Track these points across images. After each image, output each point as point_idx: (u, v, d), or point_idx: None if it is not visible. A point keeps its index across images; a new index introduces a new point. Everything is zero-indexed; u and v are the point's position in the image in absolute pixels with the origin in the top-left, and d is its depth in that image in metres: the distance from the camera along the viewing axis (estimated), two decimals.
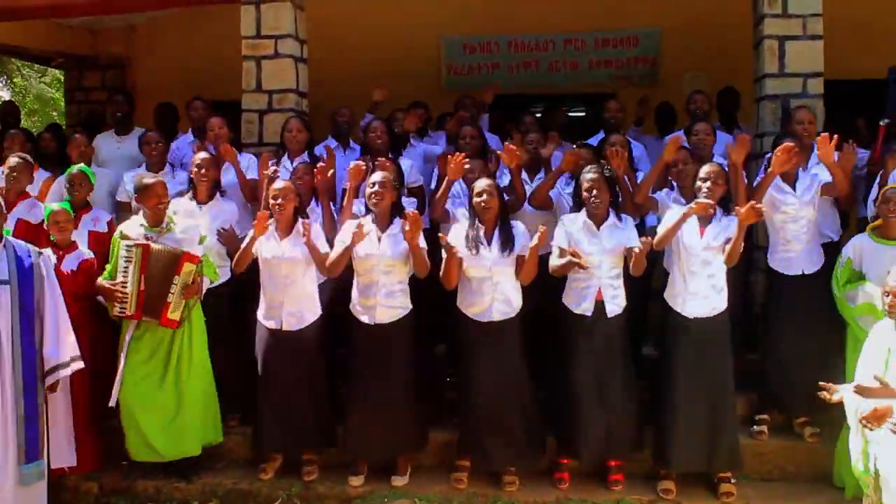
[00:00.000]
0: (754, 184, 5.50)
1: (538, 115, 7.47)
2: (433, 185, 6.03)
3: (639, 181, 5.62)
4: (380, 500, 5.12)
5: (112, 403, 5.08)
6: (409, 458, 5.35)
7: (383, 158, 5.67)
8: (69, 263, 5.22)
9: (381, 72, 8.23)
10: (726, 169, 5.22)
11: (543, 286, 5.16)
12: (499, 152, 5.65)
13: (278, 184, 5.20)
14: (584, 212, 5.11)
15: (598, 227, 5.06)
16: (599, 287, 5.05)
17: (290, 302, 5.18)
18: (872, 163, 5.68)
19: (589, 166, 5.17)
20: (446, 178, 5.45)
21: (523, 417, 5.13)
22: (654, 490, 5.10)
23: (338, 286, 5.41)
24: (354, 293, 5.21)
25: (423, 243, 5.08)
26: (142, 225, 5.16)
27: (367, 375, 5.16)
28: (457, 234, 5.10)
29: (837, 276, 5.12)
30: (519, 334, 5.13)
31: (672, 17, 8.31)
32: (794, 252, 5.42)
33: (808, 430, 5.41)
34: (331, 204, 5.64)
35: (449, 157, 5.39)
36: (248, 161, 6.07)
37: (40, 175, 6.12)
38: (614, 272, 5.09)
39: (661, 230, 5.01)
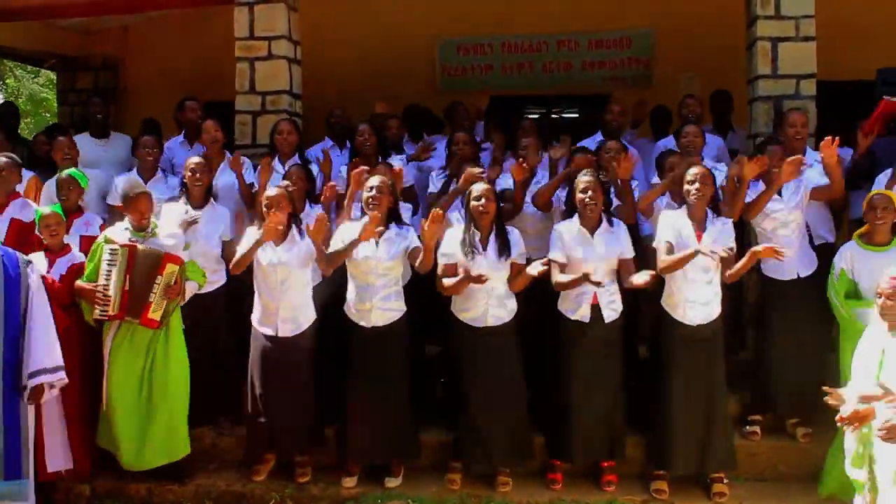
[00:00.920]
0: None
1: (534, 115, 7.47)
2: (430, 190, 6.02)
3: (634, 188, 5.62)
4: (373, 502, 5.12)
5: (105, 408, 5.08)
6: (402, 459, 5.35)
7: (380, 164, 5.68)
8: (60, 268, 5.20)
9: (375, 73, 8.26)
10: (716, 172, 5.23)
11: (542, 293, 5.16)
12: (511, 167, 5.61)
13: (271, 191, 5.17)
14: (576, 218, 5.11)
15: (592, 234, 5.05)
16: (595, 293, 5.05)
17: (286, 308, 5.17)
18: (864, 134, 5.65)
19: (584, 170, 5.17)
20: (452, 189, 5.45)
21: (516, 420, 5.14)
22: (647, 490, 5.11)
23: (332, 288, 5.40)
24: (350, 296, 5.20)
25: (417, 242, 5.07)
26: (126, 229, 5.16)
27: (363, 379, 5.15)
28: (452, 239, 5.10)
29: (834, 286, 5.08)
30: (514, 340, 5.13)
31: (665, 18, 8.32)
32: (786, 257, 5.42)
33: (800, 431, 5.42)
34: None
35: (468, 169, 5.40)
36: (245, 166, 6.06)
37: (26, 175, 6.10)
38: (609, 278, 5.08)
39: (667, 260, 4.92)
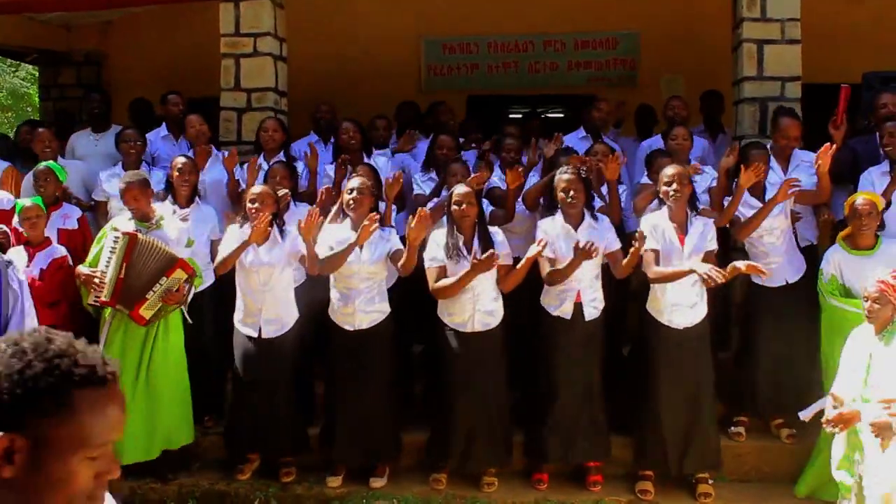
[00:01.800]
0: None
1: (519, 115, 7.48)
2: (416, 192, 6.01)
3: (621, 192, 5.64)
4: (358, 502, 5.10)
5: None
6: (385, 461, 5.33)
7: (362, 165, 5.67)
8: (40, 261, 5.15)
9: (359, 71, 8.23)
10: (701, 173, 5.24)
11: (530, 295, 5.16)
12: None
13: (256, 188, 5.15)
14: (559, 215, 5.11)
15: (576, 230, 5.05)
16: (579, 290, 5.05)
17: (268, 308, 5.14)
18: (835, 127, 5.65)
19: (565, 167, 5.17)
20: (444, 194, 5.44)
21: (497, 423, 5.12)
22: (633, 491, 5.12)
23: (314, 290, 5.37)
24: (333, 299, 5.17)
25: (399, 244, 5.06)
26: (131, 220, 5.13)
27: (347, 381, 5.13)
28: (436, 243, 5.07)
29: (825, 288, 5.08)
30: (500, 344, 5.11)
31: (651, 19, 8.33)
32: (774, 264, 5.38)
33: (784, 432, 5.45)
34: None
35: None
36: (218, 157, 6.06)
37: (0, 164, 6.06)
38: (593, 274, 5.10)
39: (658, 272, 4.91)
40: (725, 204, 5.34)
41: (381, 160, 6.06)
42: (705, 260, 4.91)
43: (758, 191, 5.39)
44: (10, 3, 7.26)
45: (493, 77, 9.02)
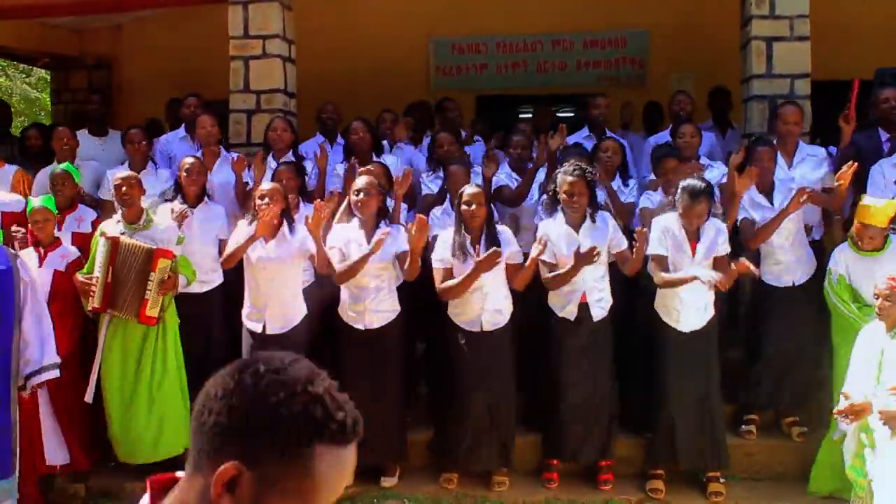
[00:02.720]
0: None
1: (529, 114, 7.48)
2: (424, 192, 6.02)
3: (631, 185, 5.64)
4: (369, 501, 5.11)
5: (88, 399, 5.07)
6: (395, 461, 5.33)
7: (374, 163, 5.66)
8: (53, 262, 5.18)
9: (369, 72, 8.25)
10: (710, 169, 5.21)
11: (539, 294, 5.16)
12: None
13: (266, 185, 5.17)
14: (560, 215, 5.09)
15: (577, 229, 5.04)
16: (584, 291, 5.04)
17: (275, 304, 5.14)
18: (846, 121, 5.64)
19: (568, 167, 5.13)
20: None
21: (505, 421, 5.12)
22: (644, 490, 5.11)
23: (322, 291, 5.39)
24: (343, 298, 5.18)
25: (405, 246, 5.06)
26: (119, 222, 5.17)
27: (358, 380, 5.13)
28: (444, 243, 5.08)
29: (834, 290, 5.03)
30: (508, 343, 5.10)
31: (660, 18, 8.33)
32: (783, 263, 5.38)
33: (795, 430, 5.43)
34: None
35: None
36: (227, 159, 6.07)
37: (7, 169, 6.09)
38: (598, 274, 5.07)
39: (664, 278, 4.91)
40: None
41: (389, 159, 6.06)
42: (717, 264, 4.89)
43: (765, 187, 5.37)
44: (22, 7, 7.30)
45: (501, 77, 9.04)
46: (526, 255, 5.06)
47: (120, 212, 5.20)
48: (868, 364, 4.12)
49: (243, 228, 5.12)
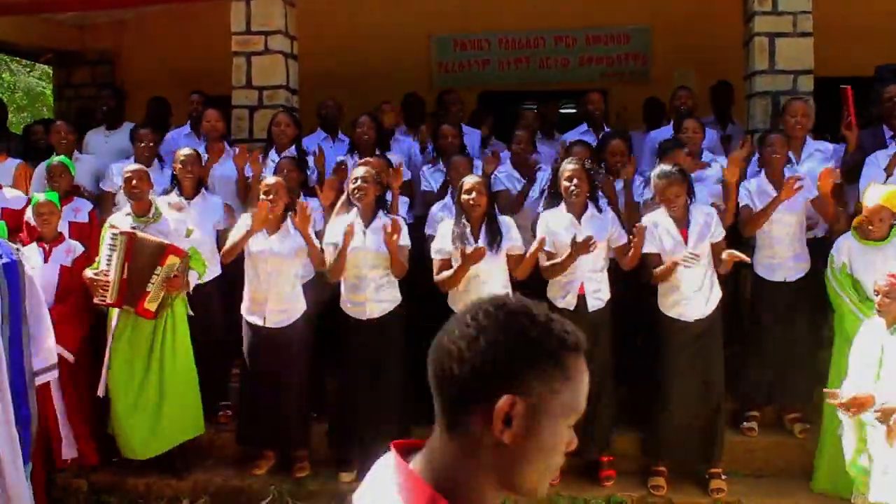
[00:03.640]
0: (747, 182, 5.49)
1: (534, 109, 7.46)
2: (423, 187, 6.03)
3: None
4: None
5: (100, 393, 5.09)
6: None
7: (377, 156, 5.67)
8: (59, 257, 5.20)
9: (370, 68, 8.23)
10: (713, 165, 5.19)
11: (542, 286, 5.16)
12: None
13: (269, 179, 5.18)
14: (562, 206, 5.10)
15: (578, 220, 5.05)
16: (582, 282, 5.05)
17: (275, 298, 5.16)
18: (848, 129, 5.63)
19: (570, 157, 5.17)
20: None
21: None
22: (645, 486, 5.12)
23: (322, 287, 5.39)
24: (343, 289, 5.20)
25: (406, 241, 5.07)
26: (128, 215, 5.17)
27: (358, 371, 5.15)
28: (444, 234, 5.09)
29: (837, 278, 5.01)
30: None
31: (662, 14, 8.30)
32: (778, 258, 5.39)
33: (797, 427, 5.43)
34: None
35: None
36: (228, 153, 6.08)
37: (10, 163, 6.09)
38: (596, 266, 5.08)
39: (655, 273, 4.96)
40: (741, 195, 5.37)
41: (394, 159, 6.03)
42: (716, 247, 4.93)
43: (776, 176, 5.36)
44: (25, 3, 7.30)
45: (504, 73, 9.02)
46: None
47: (129, 205, 5.20)
48: (868, 361, 4.12)
49: (246, 222, 5.13)
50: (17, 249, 4.55)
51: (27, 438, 4.33)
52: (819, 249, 5.38)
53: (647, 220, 5.07)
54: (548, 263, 5.01)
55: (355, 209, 5.15)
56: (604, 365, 5.12)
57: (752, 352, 5.54)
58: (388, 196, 5.41)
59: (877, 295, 4.15)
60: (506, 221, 5.11)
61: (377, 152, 5.93)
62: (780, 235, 5.37)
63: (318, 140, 6.42)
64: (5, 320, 4.26)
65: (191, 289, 5.20)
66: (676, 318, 5.01)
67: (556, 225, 5.05)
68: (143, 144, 6.10)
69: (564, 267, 4.95)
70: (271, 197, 5.04)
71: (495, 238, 4.98)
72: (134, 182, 5.12)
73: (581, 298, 5.06)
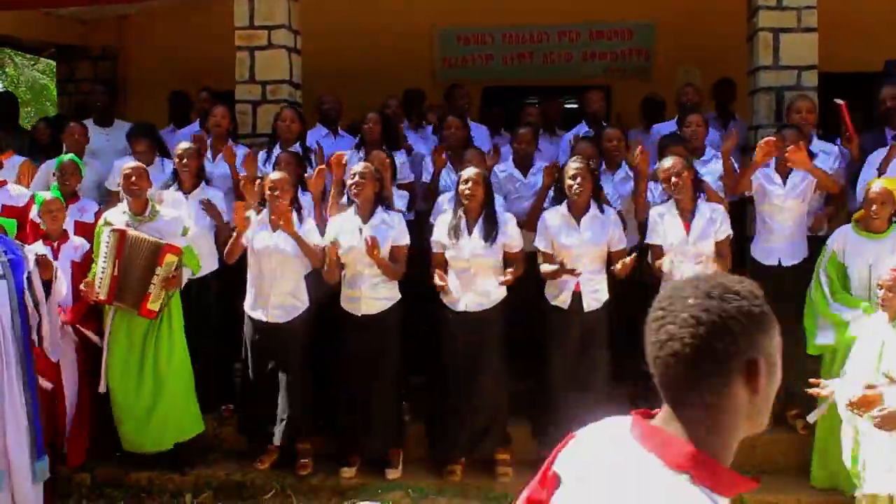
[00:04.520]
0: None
1: (536, 104, 7.45)
2: (424, 178, 6.03)
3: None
4: (373, 492, 5.12)
5: (102, 390, 5.11)
6: (399, 449, 5.34)
7: (377, 150, 5.65)
8: (68, 254, 5.21)
9: (374, 63, 8.22)
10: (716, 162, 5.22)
11: (538, 282, 5.16)
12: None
13: (274, 175, 5.16)
14: (564, 204, 5.09)
15: (579, 220, 5.04)
16: (578, 281, 5.04)
17: (278, 294, 5.16)
18: (848, 141, 5.64)
19: (575, 156, 5.16)
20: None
21: (492, 408, 5.12)
22: None
23: (321, 282, 5.38)
24: (343, 285, 5.20)
25: (401, 240, 5.08)
26: (125, 212, 5.17)
27: (355, 368, 5.15)
28: (442, 225, 5.09)
29: (823, 267, 5.07)
30: (495, 327, 5.10)
31: (666, 9, 8.29)
32: (774, 243, 5.43)
33: (799, 423, 5.41)
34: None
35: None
36: (243, 154, 6.03)
37: (15, 160, 6.09)
38: (595, 266, 5.08)
39: (656, 265, 4.99)
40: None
41: (398, 158, 5.99)
42: (721, 245, 4.94)
43: (783, 169, 5.39)
44: None
45: (507, 68, 9.01)
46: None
47: (126, 202, 5.21)
48: (868, 354, 4.12)
49: (252, 220, 5.13)
50: (22, 247, 4.57)
51: (38, 430, 4.37)
52: (820, 247, 5.38)
53: (653, 211, 5.10)
54: (543, 269, 5.01)
55: (354, 206, 5.15)
56: (600, 363, 5.13)
57: None
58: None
59: (880, 289, 4.15)
60: (504, 217, 5.09)
61: (383, 148, 5.91)
62: (780, 221, 5.40)
63: (319, 136, 6.40)
64: (14, 315, 4.29)
65: (182, 286, 5.19)
66: None
67: (556, 224, 5.06)
68: (140, 149, 6.03)
69: (553, 277, 4.97)
70: (277, 193, 5.04)
71: (492, 231, 4.96)
72: (133, 179, 5.12)
73: (577, 297, 5.05)
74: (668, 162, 4.98)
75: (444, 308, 5.10)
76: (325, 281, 5.23)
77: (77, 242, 5.31)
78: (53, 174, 5.66)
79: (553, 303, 5.09)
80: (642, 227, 5.31)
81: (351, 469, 5.23)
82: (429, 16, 8.71)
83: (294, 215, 5.14)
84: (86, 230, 5.55)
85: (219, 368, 5.69)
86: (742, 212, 5.85)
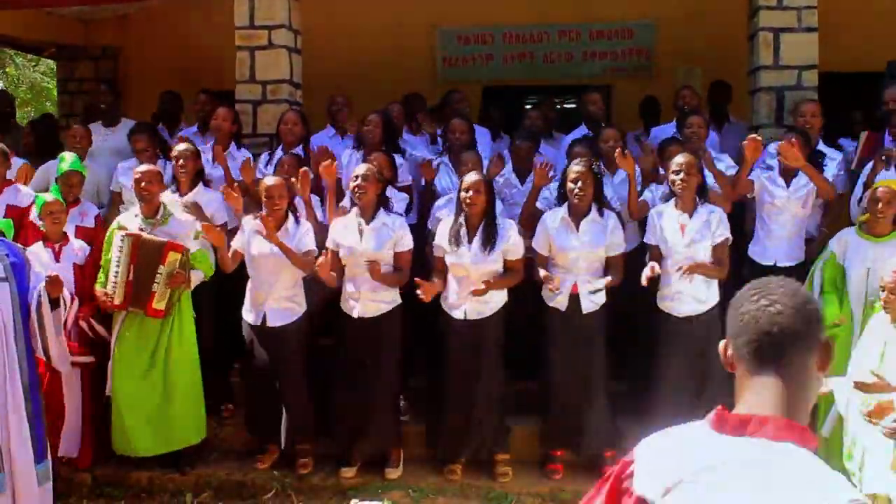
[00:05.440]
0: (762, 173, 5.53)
1: (528, 106, 7.44)
2: (421, 182, 6.02)
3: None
4: (374, 492, 5.12)
5: (109, 392, 5.12)
6: (399, 449, 5.34)
7: (377, 152, 5.64)
8: (70, 256, 5.20)
9: (375, 63, 8.23)
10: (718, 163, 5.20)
11: (537, 284, 5.16)
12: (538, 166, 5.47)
13: (270, 180, 5.12)
14: (565, 206, 5.09)
15: (579, 222, 5.03)
16: (575, 282, 5.04)
17: (275, 299, 5.14)
18: (859, 165, 5.67)
19: (578, 158, 5.15)
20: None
21: (489, 412, 5.11)
22: None
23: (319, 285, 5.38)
24: (344, 286, 5.19)
25: (405, 238, 5.07)
26: (137, 216, 5.16)
27: (353, 370, 5.15)
28: (443, 228, 5.08)
29: (819, 268, 5.10)
30: (494, 333, 5.08)
31: (666, 9, 8.29)
32: (772, 244, 5.44)
33: None
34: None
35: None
36: (245, 157, 6.02)
37: (16, 162, 6.09)
38: (593, 268, 5.06)
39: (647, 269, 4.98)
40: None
41: (398, 161, 5.98)
42: (717, 249, 4.92)
43: (787, 173, 5.39)
44: None
45: (508, 68, 9.00)
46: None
47: (138, 206, 5.20)
48: (870, 356, 4.12)
49: (250, 225, 5.13)
50: (24, 249, 4.57)
51: (40, 429, 4.36)
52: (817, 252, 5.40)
53: (653, 210, 5.11)
54: (543, 275, 5.00)
55: (356, 209, 5.14)
56: (598, 366, 5.11)
57: None
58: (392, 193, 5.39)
59: (883, 291, 4.15)
60: (505, 224, 5.06)
61: (383, 150, 5.89)
62: (780, 222, 5.42)
63: (327, 137, 6.39)
64: (17, 317, 4.28)
65: (192, 287, 5.18)
66: (668, 313, 5.02)
67: (554, 226, 5.06)
68: (140, 147, 6.03)
69: (544, 281, 4.98)
70: (275, 199, 5.02)
71: (492, 239, 4.94)
72: (143, 184, 5.09)
73: (574, 299, 5.04)
74: (681, 158, 4.98)
75: (443, 314, 5.09)
76: (318, 287, 5.22)
77: (77, 245, 5.29)
78: (56, 180, 5.62)
79: (550, 304, 5.09)
80: (643, 228, 5.31)
81: (351, 469, 5.23)
82: (429, 15, 8.72)
83: (290, 219, 5.13)
84: (86, 235, 5.53)
85: (218, 369, 5.67)
86: (742, 211, 5.85)
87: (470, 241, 4.95)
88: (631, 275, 5.05)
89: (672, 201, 5.06)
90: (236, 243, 5.18)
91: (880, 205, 4.85)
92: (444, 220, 5.15)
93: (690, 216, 4.98)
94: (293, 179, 5.27)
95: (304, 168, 5.46)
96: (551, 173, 5.42)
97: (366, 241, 5.03)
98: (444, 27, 9.01)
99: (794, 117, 5.74)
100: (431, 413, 5.35)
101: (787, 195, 5.37)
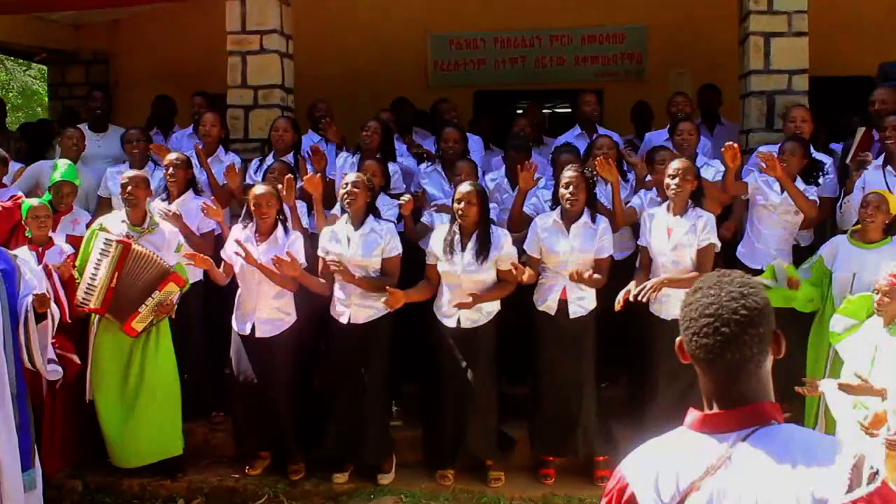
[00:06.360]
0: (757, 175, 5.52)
1: (519, 111, 7.44)
2: (421, 180, 6.04)
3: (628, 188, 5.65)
4: (366, 498, 5.11)
5: (89, 397, 5.08)
6: (391, 455, 5.33)
7: (370, 161, 5.63)
8: (52, 258, 5.15)
9: (366, 68, 8.24)
10: (709, 168, 5.21)
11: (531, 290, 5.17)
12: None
13: (258, 189, 5.09)
14: (557, 210, 5.10)
15: (569, 226, 5.03)
16: (564, 286, 5.04)
17: (264, 308, 5.11)
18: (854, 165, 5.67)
19: (570, 164, 5.15)
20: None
21: (483, 419, 5.10)
22: None
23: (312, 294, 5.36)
24: (333, 293, 5.18)
25: (394, 244, 5.07)
26: (123, 222, 5.12)
27: (341, 377, 5.14)
28: (437, 238, 5.08)
29: (804, 268, 5.12)
30: (487, 341, 5.08)
31: (658, 13, 8.31)
32: (761, 247, 5.46)
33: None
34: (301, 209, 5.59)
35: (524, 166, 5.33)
36: (232, 160, 6.02)
37: (12, 166, 6.07)
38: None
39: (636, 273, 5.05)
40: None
41: (391, 168, 5.94)
42: (700, 254, 4.91)
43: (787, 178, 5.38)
44: (19, 3, 7.28)
45: (499, 72, 9.02)
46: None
47: (124, 212, 5.17)
48: (862, 359, 4.13)
49: (238, 234, 5.11)
50: (15, 256, 4.54)
51: (27, 443, 4.32)
52: (805, 257, 5.40)
53: (645, 213, 5.14)
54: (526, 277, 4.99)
55: (346, 215, 5.13)
56: (587, 370, 5.11)
57: None
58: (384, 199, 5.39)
59: (876, 294, 4.16)
60: (499, 233, 5.04)
61: (378, 157, 5.88)
62: (770, 226, 5.44)
63: (312, 141, 6.37)
64: (6, 326, 4.25)
65: (173, 314, 5.12)
66: (658, 316, 5.03)
67: (546, 229, 5.07)
68: (133, 144, 6.04)
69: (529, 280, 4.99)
70: (263, 209, 5.01)
71: (485, 248, 4.93)
72: (129, 189, 5.05)
73: (563, 304, 5.04)
74: (678, 163, 4.97)
75: (437, 322, 5.09)
76: (312, 297, 5.22)
77: (62, 248, 5.24)
78: (49, 189, 5.58)
79: (539, 308, 5.09)
80: (637, 235, 5.32)
81: (343, 474, 5.22)
82: (421, 20, 8.72)
83: (280, 228, 5.11)
84: (78, 243, 5.49)
85: (209, 376, 5.65)
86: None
87: (463, 251, 4.95)
88: (625, 280, 5.06)
89: (665, 204, 5.07)
90: (226, 253, 5.16)
91: (869, 208, 4.87)
92: (438, 228, 5.15)
93: (681, 215, 4.99)
94: (280, 186, 5.25)
95: (289, 175, 5.43)
96: (536, 175, 5.42)
97: (354, 248, 5.02)
98: (436, 32, 9.02)
99: (785, 122, 5.75)
100: (425, 420, 5.34)
101: (780, 199, 5.38)
